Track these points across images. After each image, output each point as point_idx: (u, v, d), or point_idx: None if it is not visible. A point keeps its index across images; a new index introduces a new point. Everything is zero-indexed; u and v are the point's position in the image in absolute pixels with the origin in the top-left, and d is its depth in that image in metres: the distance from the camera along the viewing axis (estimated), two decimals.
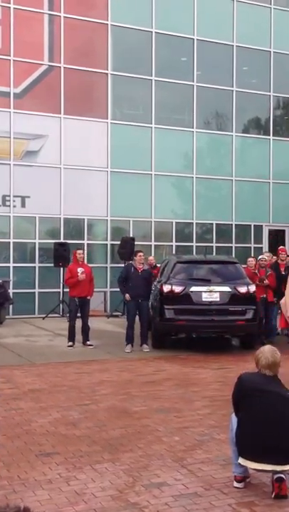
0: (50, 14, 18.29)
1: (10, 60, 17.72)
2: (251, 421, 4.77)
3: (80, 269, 12.11)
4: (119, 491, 4.83)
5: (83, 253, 12.67)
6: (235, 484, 4.91)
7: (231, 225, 20.63)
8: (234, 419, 4.96)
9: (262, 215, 20.92)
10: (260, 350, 4.95)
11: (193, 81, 20.07)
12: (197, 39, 19.95)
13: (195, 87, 20.07)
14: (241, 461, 4.80)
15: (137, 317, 12.07)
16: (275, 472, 4.71)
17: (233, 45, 20.51)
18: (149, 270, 12.57)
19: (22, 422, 6.72)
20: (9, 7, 17.67)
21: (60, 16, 18.29)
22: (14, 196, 17.72)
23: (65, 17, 18.31)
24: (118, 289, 13.08)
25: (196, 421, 6.80)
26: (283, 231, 21.19)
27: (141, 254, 12.41)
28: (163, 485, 4.94)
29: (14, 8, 17.69)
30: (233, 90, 20.61)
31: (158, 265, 14.78)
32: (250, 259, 13.73)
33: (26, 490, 4.84)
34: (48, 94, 18.26)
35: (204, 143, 20.41)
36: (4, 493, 4.75)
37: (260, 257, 13.57)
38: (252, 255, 15.53)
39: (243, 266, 13.10)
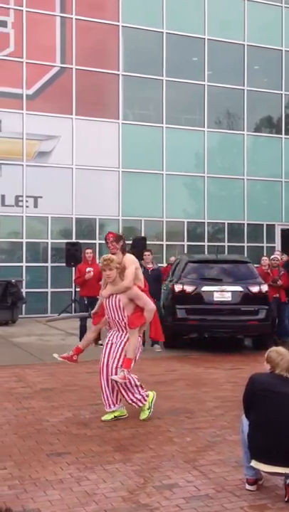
0: (61, 16, 18.34)
1: (22, 62, 17.81)
2: (263, 422, 4.72)
3: (88, 269, 12.14)
4: (130, 491, 4.83)
5: (92, 252, 12.68)
6: (248, 487, 4.87)
7: (243, 224, 20.58)
8: (245, 420, 4.93)
9: (274, 214, 20.85)
10: (279, 352, 4.88)
11: (204, 81, 20.05)
12: (208, 39, 19.93)
13: (206, 86, 20.05)
14: (253, 463, 4.75)
15: None
16: (287, 476, 4.66)
17: (244, 45, 20.47)
18: (159, 269, 12.56)
19: (34, 421, 6.74)
20: (22, 10, 17.75)
21: (71, 18, 18.35)
22: (27, 196, 17.81)
23: (76, 19, 18.36)
24: None
25: (208, 422, 6.79)
26: None
27: (147, 253, 12.40)
28: (174, 486, 4.93)
29: (26, 10, 17.77)
30: (244, 89, 20.56)
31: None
32: (264, 258, 13.62)
33: (37, 490, 4.85)
34: (60, 95, 18.32)
35: (215, 142, 20.38)
36: (15, 493, 4.77)
37: (272, 256, 13.51)
38: (264, 254, 15.47)
39: (256, 266, 13.05)
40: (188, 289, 11.66)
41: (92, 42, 18.82)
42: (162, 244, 19.41)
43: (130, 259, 7.08)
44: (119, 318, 6.73)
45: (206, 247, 19.81)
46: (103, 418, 6.75)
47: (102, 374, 6.76)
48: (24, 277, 17.52)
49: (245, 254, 18.92)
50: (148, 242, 17.40)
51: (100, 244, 18.51)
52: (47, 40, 18.27)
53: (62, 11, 18.38)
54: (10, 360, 10.57)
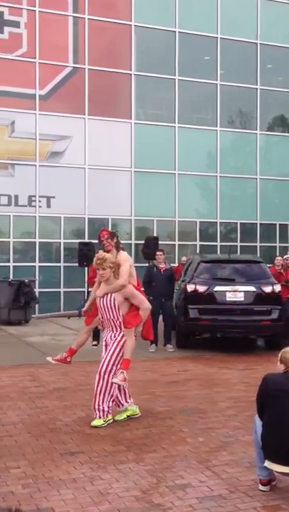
0: (74, 16, 18.39)
1: (35, 62, 17.88)
2: (276, 423, 4.71)
3: None
4: (143, 491, 4.84)
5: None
6: (261, 487, 4.86)
7: (256, 224, 20.53)
8: (258, 421, 4.92)
9: (287, 213, 20.77)
10: None
11: (216, 80, 20.02)
12: (220, 37, 19.90)
13: (218, 85, 20.03)
14: (267, 464, 4.74)
15: (161, 316, 12.07)
16: None
17: (256, 43, 20.41)
18: (171, 269, 12.56)
19: (47, 421, 6.77)
20: (34, 10, 17.82)
21: (84, 18, 18.39)
22: (40, 196, 17.88)
23: (89, 19, 18.40)
24: (142, 289, 13.08)
25: (221, 422, 6.78)
26: None
27: (159, 253, 12.40)
28: (187, 486, 4.94)
29: (39, 11, 17.84)
30: (257, 88, 20.50)
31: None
32: (278, 258, 13.52)
33: (51, 489, 4.87)
34: (73, 95, 18.38)
35: (228, 142, 20.34)
36: (29, 492, 4.79)
37: (285, 256, 13.45)
38: (277, 254, 15.41)
39: (269, 265, 13.00)
40: (201, 289, 11.64)
41: (104, 42, 18.86)
42: (174, 244, 19.41)
43: (125, 256, 7.06)
44: (113, 318, 6.65)
45: (218, 247, 19.78)
46: (116, 418, 6.74)
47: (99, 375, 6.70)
48: (37, 277, 17.59)
49: (258, 254, 18.87)
50: (160, 242, 17.43)
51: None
52: (59, 40, 18.33)
53: (74, 11, 18.43)
54: (23, 360, 10.62)
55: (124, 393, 6.80)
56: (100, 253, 6.88)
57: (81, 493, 4.79)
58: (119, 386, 6.69)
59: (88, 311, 7.11)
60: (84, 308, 7.22)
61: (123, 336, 6.68)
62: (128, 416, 6.79)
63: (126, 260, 6.95)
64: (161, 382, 8.89)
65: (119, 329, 6.69)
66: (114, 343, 6.67)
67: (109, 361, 6.60)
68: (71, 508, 4.52)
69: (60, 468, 5.34)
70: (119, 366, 6.59)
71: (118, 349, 6.65)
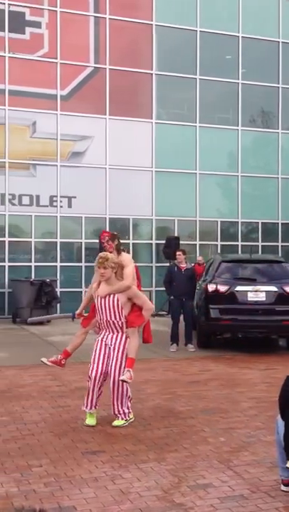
0: (95, 16, 18.44)
1: (57, 63, 17.96)
2: None
3: None
4: (165, 491, 4.83)
5: (128, 252, 12.67)
6: (283, 488, 4.83)
7: (277, 223, 20.42)
8: (280, 421, 4.88)
9: None
10: None
11: (238, 79, 19.93)
12: (242, 36, 19.81)
13: (240, 84, 19.94)
14: None
15: (182, 316, 12.07)
16: None
17: (278, 42, 20.30)
18: (192, 269, 12.54)
19: (69, 420, 6.80)
20: (55, 10, 17.90)
21: (105, 18, 18.43)
22: (61, 197, 17.97)
23: (110, 19, 18.44)
24: (163, 288, 13.12)
25: (242, 422, 6.76)
26: None
27: (179, 253, 12.38)
28: (209, 486, 4.92)
29: (60, 11, 17.92)
30: (278, 87, 20.39)
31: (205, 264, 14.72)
32: None
33: (72, 487, 4.89)
34: (94, 95, 18.43)
35: (249, 141, 20.25)
36: (51, 490, 4.82)
37: None
38: None
39: None
40: (222, 288, 11.61)
41: (125, 41, 18.89)
42: (195, 244, 19.37)
43: (128, 258, 7.08)
44: (115, 319, 6.58)
45: (239, 247, 19.71)
46: (88, 423, 6.57)
47: (97, 379, 6.56)
48: (58, 277, 17.68)
49: (280, 254, 18.77)
50: (181, 242, 17.43)
51: (133, 244, 18.57)
52: (81, 40, 18.40)
53: (95, 11, 18.49)
54: None
55: (98, 399, 6.66)
56: (103, 253, 6.84)
57: (102, 492, 4.81)
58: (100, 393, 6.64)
59: (82, 313, 7.10)
60: (78, 311, 7.13)
61: (126, 337, 6.65)
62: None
63: (130, 262, 6.96)
64: (183, 381, 8.88)
65: (120, 331, 6.63)
66: (119, 346, 6.60)
67: (120, 366, 6.56)
68: (93, 506, 4.54)
69: (81, 467, 5.36)
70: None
71: (124, 352, 6.62)
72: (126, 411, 6.64)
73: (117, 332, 6.64)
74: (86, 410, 6.63)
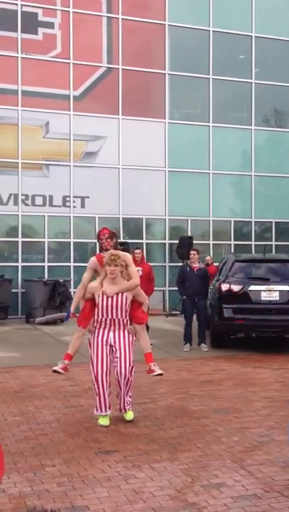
0: (108, 17, 18.46)
1: (69, 63, 18.00)
2: None
3: (137, 268, 12.13)
4: (178, 490, 4.82)
5: (141, 252, 12.69)
6: None
7: None
8: None
9: None
10: None
11: (251, 78, 19.87)
12: (255, 36, 19.74)
13: (253, 84, 19.87)
14: None
15: (195, 316, 12.05)
16: None
17: None
18: (205, 269, 12.52)
19: (82, 419, 6.80)
20: (68, 11, 17.94)
21: (118, 18, 18.44)
22: (74, 197, 18.00)
23: (123, 19, 18.45)
24: (176, 288, 13.09)
25: (256, 421, 6.73)
26: None
27: (193, 252, 12.36)
28: (222, 486, 4.91)
29: (73, 11, 17.96)
30: None
31: (214, 264, 14.71)
32: None
33: (85, 487, 4.89)
34: (107, 95, 18.44)
35: (263, 140, 20.17)
36: (64, 490, 4.83)
37: None
38: None
39: None
40: (235, 288, 11.58)
41: (138, 42, 18.89)
42: (209, 244, 19.34)
43: (130, 257, 7.08)
44: (121, 317, 6.57)
45: (252, 247, 19.64)
46: (102, 423, 6.56)
47: (104, 381, 6.54)
48: (72, 277, 17.70)
49: None
50: (194, 242, 17.39)
51: (146, 243, 18.57)
52: (93, 40, 18.42)
53: (108, 11, 18.50)
54: (59, 359, 10.66)
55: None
56: (113, 250, 6.81)
57: (116, 491, 4.81)
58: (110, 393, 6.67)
59: (75, 312, 7.11)
60: (72, 310, 7.03)
61: (130, 334, 6.67)
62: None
63: (132, 260, 6.97)
64: (196, 381, 8.87)
65: (124, 328, 6.63)
66: (125, 343, 6.60)
67: (130, 364, 6.57)
68: (106, 506, 4.54)
69: (94, 466, 5.37)
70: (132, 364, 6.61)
71: (132, 348, 6.66)
72: (130, 400, 6.74)
73: (121, 329, 6.63)
74: (102, 414, 6.58)
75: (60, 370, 6.94)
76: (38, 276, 17.19)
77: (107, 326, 6.62)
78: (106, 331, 6.63)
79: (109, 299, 6.53)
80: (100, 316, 6.59)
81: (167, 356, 11.05)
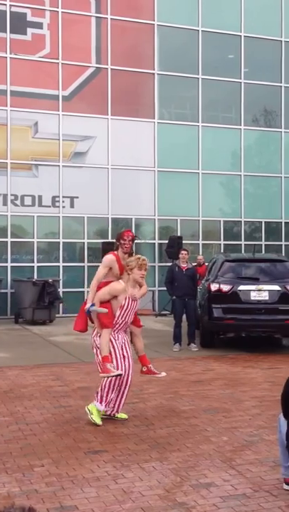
0: (97, 17, 18.43)
1: (58, 63, 17.96)
2: None
3: None
4: (167, 490, 4.82)
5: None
6: (285, 487, 4.81)
7: (281, 222, 20.38)
8: (283, 420, 4.86)
9: None
10: None
11: (240, 78, 19.91)
12: (244, 36, 19.78)
13: (242, 84, 19.91)
14: None
15: (185, 316, 12.05)
16: None
17: (281, 41, 20.27)
18: (193, 268, 12.52)
19: (71, 420, 6.78)
20: (57, 11, 17.90)
21: (106, 18, 18.42)
22: (63, 197, 17.96)
23: (112, 19, 18.42)
24: (166, 288, 13.08)
25: (245, 421, 6.73)
26: None
27: (184, 252, 12.37)
28: (211, 485, 4.91)
29: (62, 11, 17.92)
30: (281, 86, 20.36)
31: (206, 264, 14.73)
32: None
33: (74, 487, 4.88)
34: (96, 95, 18.42)
35: (252, 140, 20.23)
36: (53, 490, 4.81)
37: None
38: None
39: None
40: (225, 288, 11.59)
41: (127, 42, 18.87)
42: (198, 244, 19.35)
43: None
44: (130, 320, 6.71)
45: (242, 246, 19.68)
46: (96, 420, 6.53)
47: (129, 382, 6.68)
48: (61, 277, 17.66)
49: (283, 253, 18.75)
50: (184, 242, 17.39)
51: (136, 243, 18.51)
52: (82, 40, 18.39)
53: (97, 12, 18.47)
54: (48, 359, 10.67)
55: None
56: (139, 255, 6.87)
57: (105, 491, 4.79)
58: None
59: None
60: (95, 308, 6.60)
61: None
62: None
63: None
64: (186, 381, 8.86)
65: (127, 331, 6.79)
66: (129, 347, 6.77)
67: (132, 364, 6.73)
68: (95, 506, 4.52)
69: (83, 466, 5.35)
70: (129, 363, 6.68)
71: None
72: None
73: (125, 333, 6.76)
74: (101, 408, 6.57)
75: (116, 371, 6.60)
76: (27, 276, 17.14)
77: (123, 328, 6.71)
78: (122, 334, 6.72)
79: (133, 303, 6.63)
80: (122, 319, 6.62)
81: (157, 356, 11.04)
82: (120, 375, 6.52)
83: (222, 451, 5.73)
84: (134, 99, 19.16)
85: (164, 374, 7.00)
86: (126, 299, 6.57)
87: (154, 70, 19.01)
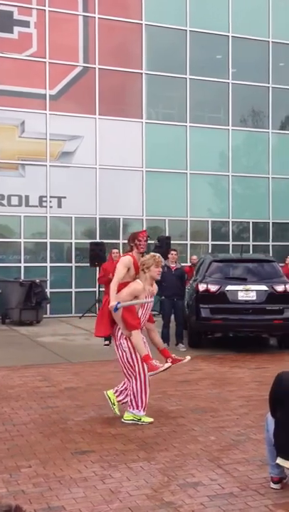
0: (84, 16, 18.39)
1: (45, 62, 17.89)
2: None
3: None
4: (154, 490, 4.81)
5: (119, 252, 12.66)
6: (272, 485, 4.83)
7: (268, 223, 20.44)
8: (270, 419, 4.87)
9: None
10: None
11: (228, 78, 19.94)
12: (232, 36, 19.82)
13: (230, 84, 19.95)
14: (280, 461, 4.71)
15: (173, 316, 12.05)
16: None
17: (268, 41, 20.32)
18: (182, 269, 12.52)
19: (58, 420, 6.75)
20: (44, 10, 17.84)
21: (94, 17, 18.38)
22: (51, 197, 17.90)
23: (99, 18, 18.39)
24: None
25: (233, 421, 6.74)
26: None
27: (174, 252, 12.37)
28: (198, 485, 4.90)
29: (49, 10, 17.86)
30: (269, 87, 20.42)
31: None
32: None
33: (62, 487, 4.85)
34: (83, 95, 18.37)
35: (240, 141, 20.27)
36: (40, 491, 4.78)
37: None
38: None
39: (281, 265, 12.94)
40: (213, 288, 11.60)
41: (115, 41, 18.84)
42: (186, 244, 19.36)
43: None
44: (147, 318, 6.80)
45: (230, 247, 19.71)
46: (144, 421, 6.63)
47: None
48: (48, 277, 17.60)
49: (271, 254, 18.79)
50: (172, 242, 17.39)
51: (123, 244, 18.51)
52: (69, 39, 18.33)
53: (84, 10, 18.43)
54: (35, 360, 10.63)
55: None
56: (153, 253, 6.97)
57: (92, 491, 4.77)
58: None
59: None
60: (123, 304, 6.51)
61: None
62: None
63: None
64: (173, 381, 8.85)
65: None
66: (147, 344, 6.80)
67: None
68: (82, 506, 4.50)
69: (71, 467, 5.33)
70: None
71: None
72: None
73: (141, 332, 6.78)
74: (142, 414, 6.63)
75: (165, 365, 6.67)
76: (14, 276, 17.06)
77: (142, 327, 6.75)
78: (141, 333, 6.69)
79: (151, 302, 6.75)
80: (143, 318, 6.72)
81: None
82: (170, 367, 6.65)
83: (209, 451, 5.72)
84: (122, 98, 19.13)
85: (188, 358, 7.01)
86: (146, 297, 6.67)
87: (142, 69, 18.99)
